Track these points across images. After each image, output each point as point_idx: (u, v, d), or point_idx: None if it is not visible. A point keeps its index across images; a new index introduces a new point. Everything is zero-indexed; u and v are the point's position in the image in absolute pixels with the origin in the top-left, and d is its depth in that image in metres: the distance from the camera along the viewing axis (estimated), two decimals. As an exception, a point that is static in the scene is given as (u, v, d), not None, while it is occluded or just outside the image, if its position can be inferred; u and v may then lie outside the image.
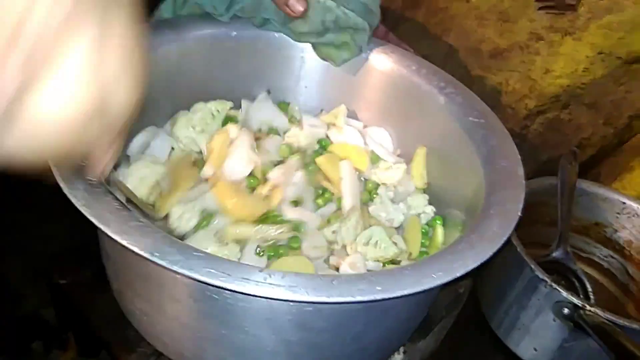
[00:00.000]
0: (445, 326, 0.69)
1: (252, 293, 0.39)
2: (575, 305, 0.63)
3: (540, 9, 0.80)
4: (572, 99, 0.85)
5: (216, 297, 0.45)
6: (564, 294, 0.63)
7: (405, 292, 0.41)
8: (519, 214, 0.50)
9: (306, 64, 0.73)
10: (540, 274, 0.65)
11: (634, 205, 0.78)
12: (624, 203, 0.79)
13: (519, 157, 0.56)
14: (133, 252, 0.40)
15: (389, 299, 0.41)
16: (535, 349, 0.69)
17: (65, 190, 0.42)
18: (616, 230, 0.81)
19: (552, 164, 0.91)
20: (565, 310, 0.63)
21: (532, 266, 0.65)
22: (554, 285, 0.64)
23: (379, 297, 0.40)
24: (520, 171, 0.55)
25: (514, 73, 0.86)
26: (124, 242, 0.40)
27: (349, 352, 0.52)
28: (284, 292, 0.39)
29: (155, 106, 0.64)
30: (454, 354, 0.71)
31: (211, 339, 0.50)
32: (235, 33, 0.69)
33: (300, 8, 0.63)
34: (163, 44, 0.64)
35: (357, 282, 0.41)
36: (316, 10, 0.65)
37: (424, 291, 0.42)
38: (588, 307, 0.62)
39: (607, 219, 0.81)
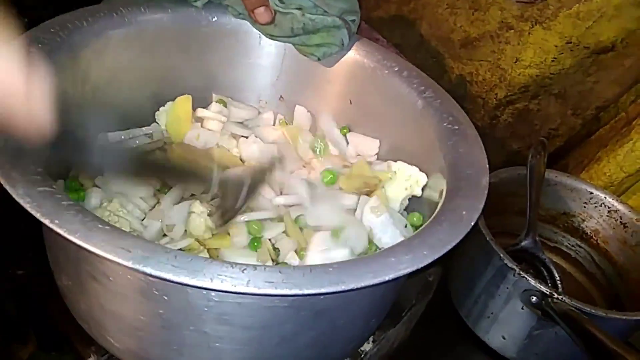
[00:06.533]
0: (415, 315, 0.69)
1: (152, 273, 0.37)
2: (543, 294, 0.63)
3: (510, -3, 0.80)
4: (541, 89, 0.85)
5: (129, 277, 0.42)
6: (532, 282, 0.64)
7: (323, 290, 0.39)
8: (472, 223, 0.47)
9: (285, 59, 0.72)
10: (509, 262, 0.65)
11: (601, 195, 0.80)
12: (591, 193, 0.80)
13: (487, 166, 0.54)
14: (36, 217, 0.38)
15: (297, 295, 0.39)
16: (504, 337, 0.69)
17: None
18: (583, 220, 0.82)
19: (521, 154, 0.92)
20: (534, 299, 0.64)
21: (501, 255, 0.66)
22: (523, 274, 0.64)
23: (287, 292, 0.38)
24: (485, 181, 0.52)
25: (484, 62, 0.86)
26: (27, 207, 0.38)
27: (280, 355, 0.50)
28: (185, 277, 0.37)
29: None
30: (423, 342, 0.71)
31: (131, 325, 0.48)
32: (215, 18, 0.68)
33: (266, 19, 0.65)
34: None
35: (270, 274, 0.39)
36: (283, 19, 0.66)
37: (343, 292, 0.39)
38: (556, 295, 0.62)
39: (575, 209, 0.82)
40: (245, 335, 0.46)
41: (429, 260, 0.43)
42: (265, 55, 0.72)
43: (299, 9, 0.65)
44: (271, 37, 0.69)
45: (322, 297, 0.43)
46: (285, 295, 0.38)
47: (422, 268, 0.43)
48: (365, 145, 0.70)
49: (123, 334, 0.50)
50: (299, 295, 0.39)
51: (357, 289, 0.40)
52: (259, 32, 0.69)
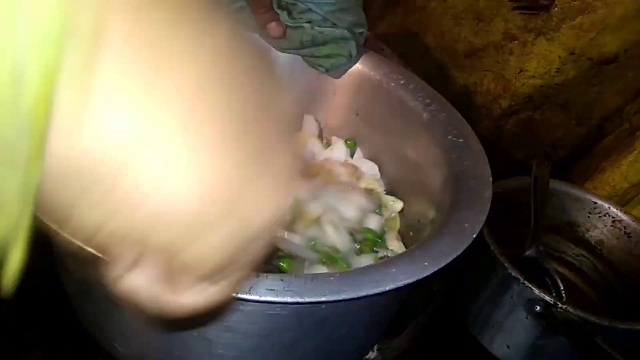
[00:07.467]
0: (420, 324, 0.69)
1: None
2: (548, 303, 0.63)
3: (514, 9, 0.81)
4: (545, 100, 0.86)
5: None
6: (537, 291, 0.64)
7: (323, 298, 0.39)
8: (474, 235, 0.47)
9: (295, 71, 0.72)
10: (513, 272, 0.65)
11: (605, 205, 0.79)
12: (596, 203, 0.80)
13: (490, 179, 0.54)
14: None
15: (298, 303, 0.39)
16: (508, 347, 0.69)
17: None
18: (588, 230, 0.82)
19: (525, 163, 0.92)
20: (538, 308, 0.64)
21: (506, 264, 0.66)
22: (527, 284, 0.64)
23: (288, 300, 0.38)
24: (488, 194, 0.52)
25: (488, 73, 0.87)
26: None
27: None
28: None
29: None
30: (428, 351, 0.71)
31: (132, 329, 0.48)
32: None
33: (278, 33, 0.68)
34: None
35: (272, 282, 0.39)
36: (293, 33, 0.68)
37: (343, 301, 0.39)
38: (560, 305, 0.62)
39: (579, 219, 0.82)
40: (247, 343, 0.47)
41: (430, 272, 0.43)
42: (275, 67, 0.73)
43: (309, 22, 0.66)
44: (281, 49, 0.71)
45: (323, 305, 0.43)
46: (286, 303, 0.39)
47: (422, 279, 0.43)
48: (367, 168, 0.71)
49: (128, 339, 0.50)
50: (300, 304, 0.39)
51: (358, 298, 0.40)
52: (270, 45, 0.70)
